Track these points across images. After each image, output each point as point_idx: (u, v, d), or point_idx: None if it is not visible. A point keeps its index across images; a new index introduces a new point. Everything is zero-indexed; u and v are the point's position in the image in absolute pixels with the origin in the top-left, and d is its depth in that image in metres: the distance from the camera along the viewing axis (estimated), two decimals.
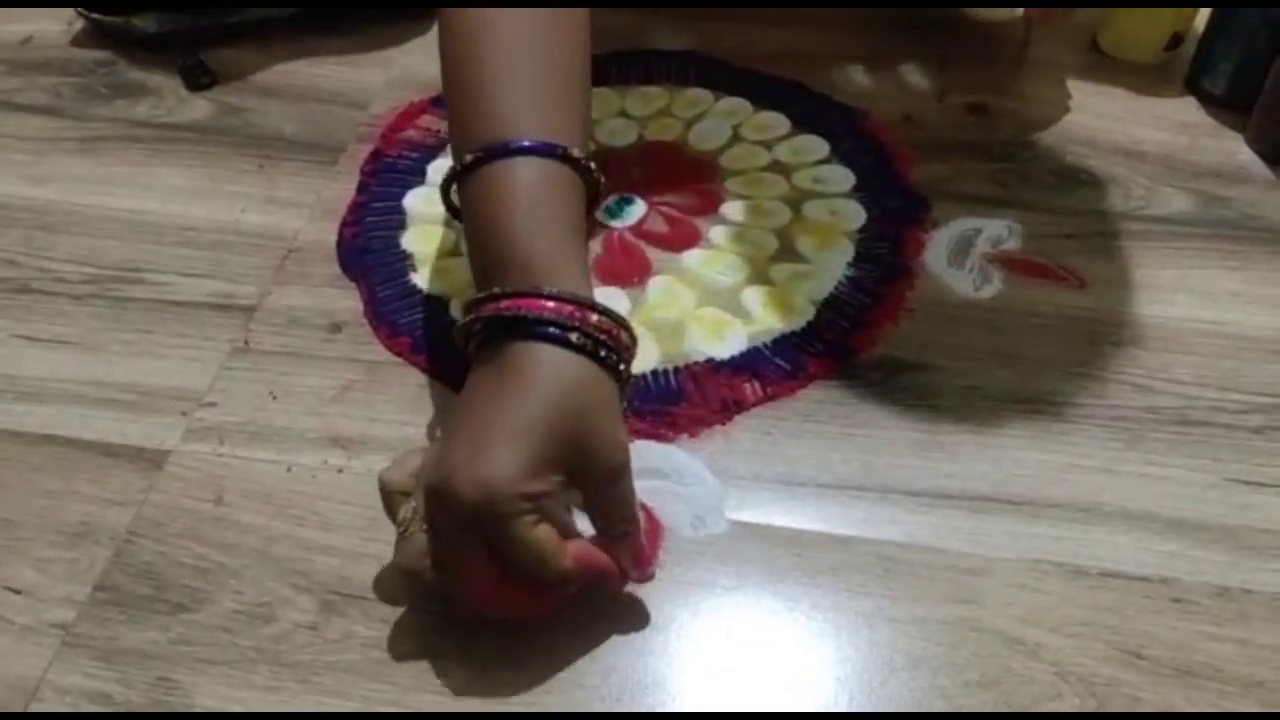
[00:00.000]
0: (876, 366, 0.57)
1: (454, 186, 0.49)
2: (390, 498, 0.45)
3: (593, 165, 0.49)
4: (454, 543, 0.42)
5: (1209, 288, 0.61)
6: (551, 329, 0.43)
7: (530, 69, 0.49)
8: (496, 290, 0.44)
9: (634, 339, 0.46)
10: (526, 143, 0.47)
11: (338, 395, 0.55)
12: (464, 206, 0.49)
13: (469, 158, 0.47)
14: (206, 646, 0.46)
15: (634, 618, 0.47)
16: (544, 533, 0.42)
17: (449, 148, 0.52)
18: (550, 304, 0.43)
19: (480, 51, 0.49)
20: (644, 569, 0.46)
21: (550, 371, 0.43)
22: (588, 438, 0.43)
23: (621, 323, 0.45)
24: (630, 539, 0.45)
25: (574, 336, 0.43)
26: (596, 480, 0.43)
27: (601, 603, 0.47)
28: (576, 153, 0.48)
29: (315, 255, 0.63)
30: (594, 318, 0.44)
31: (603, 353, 0.44)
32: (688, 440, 0.53)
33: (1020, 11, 0.75)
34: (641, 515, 0.47)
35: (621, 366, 0.45)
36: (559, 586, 0.44)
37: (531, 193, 0.46)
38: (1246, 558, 0.49)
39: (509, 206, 0.46)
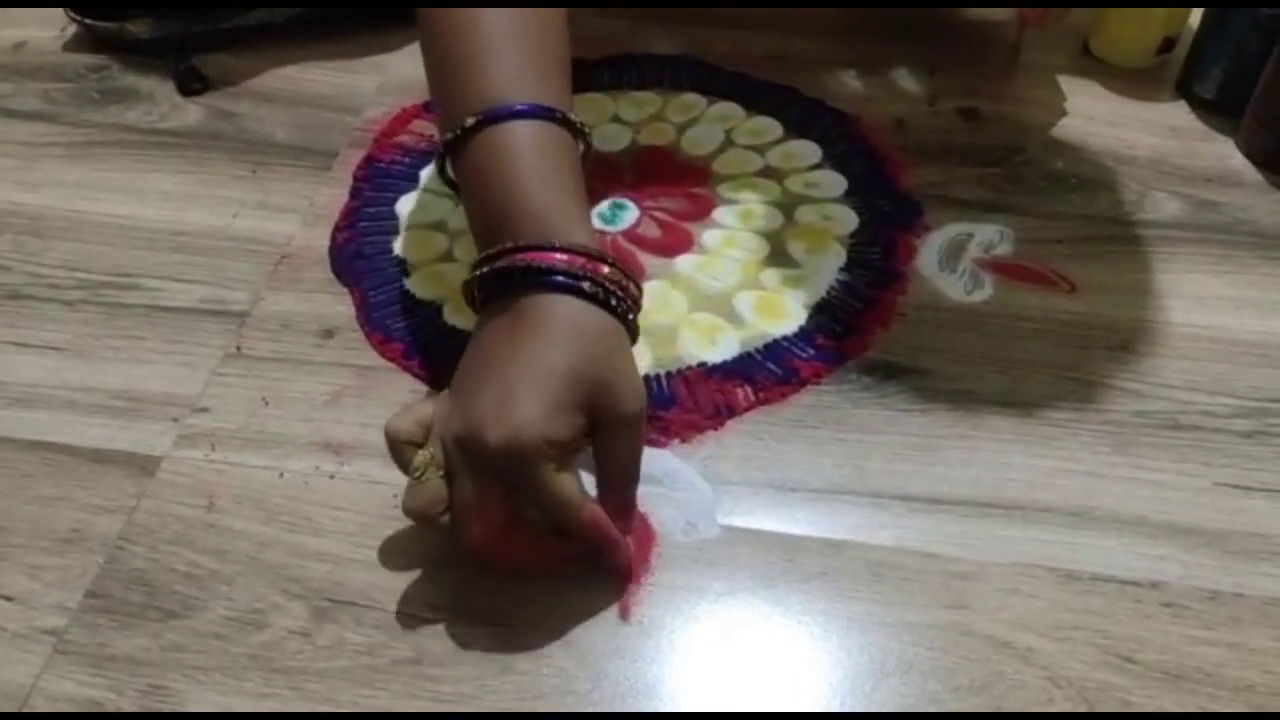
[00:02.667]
0: (868, 371, 0.57)
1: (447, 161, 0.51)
2: (400, 447, 0.46)
3: (585, 129, 0.51)
4: (475, 489, 0.44)
5: (1200, 292, 0.61)
6: (565, 279, 0.45)
7: (518, 49, 0.51)
8: (509, 244, 0.46)
9: (641, 291, 0.48)
10: (524, 106, 0.48)
11: (330, 401, 0.55)
12: (464, 170, 0.50)
13: (470, 121, 0.49)
14: (198, 653, 0.46)
15: (625, 623, 0.47)
16: (566, 480, 0.44)
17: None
18: (562, 256, 0.45)
19: (467, 40, 0.51)
20: (628, 523, 0.47)
21: (567, 320, 0.45)
22: (607, 383, 0.44)
23: (630, 275, 0.47)
24: (627, 499, 0.47)
25: (586, 286, 0.45)
26: (613, 427, 0.45)
27: (593, 607, 0.47)
28: (571, 117, 0.50)
29: (308, 261, 0.63)
30: (605, 269, 0.46)
31: (614, 302, 0.45)
32: (680, 445, 0.53)
33: (1014, 12, 0.75)
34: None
35: (631, 317, 0.47)
36: (566, 541, 0.46)
37: (534, 151, 0.48)
38: (1237, 562, 0.49)
39: (514, 165, 0.48)
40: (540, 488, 0.43)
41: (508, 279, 0.46)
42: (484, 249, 0.48)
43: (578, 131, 0.50)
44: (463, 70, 0.51)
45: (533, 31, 0.52)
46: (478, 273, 0.47)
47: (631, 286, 0.47)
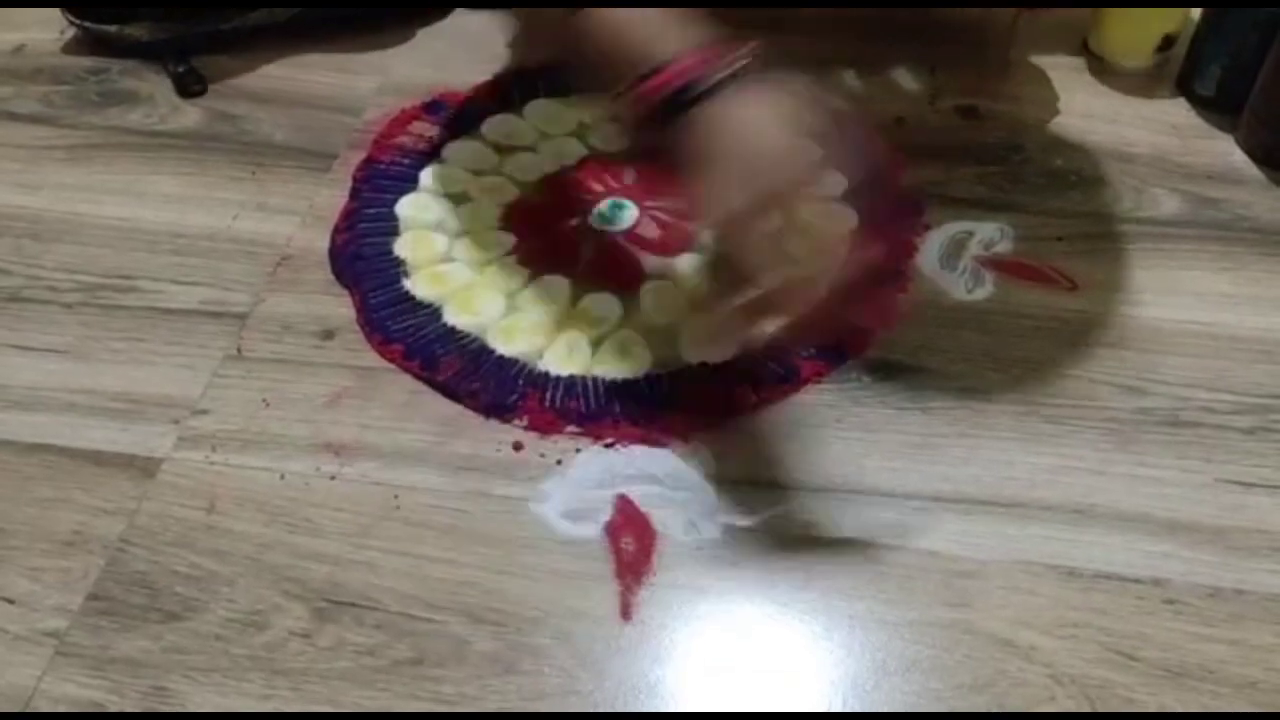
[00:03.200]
0: (869, 369, 0.57)
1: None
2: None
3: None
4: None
5: (1200, 289, 0.61)
6: (709, 84, 0.49)
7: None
8: (655, 68, 0.49)
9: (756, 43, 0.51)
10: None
11: (330, 402, 0.55)
12: (585, 36, 0.52)
13: None
14: (199, 655, 0.46)
15: (627, 622, 0.47)
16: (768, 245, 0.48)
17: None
18: (692, 63, 0.49)
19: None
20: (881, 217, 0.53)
21: (724, 123, 0.49)
22: (765, 158, 0.48)
23: (741, 42, 0.51)
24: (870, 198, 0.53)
25: (719, 77, 0.49)
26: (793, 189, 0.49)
27: (595, 607, 0.47)
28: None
29: (308, 262, 0.63)
30: (726, 54, 0.50)
31: (740, 75, 0.49)
32: (681, 445, 0.53)
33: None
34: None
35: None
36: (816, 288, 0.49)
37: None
38: (1238, 558, 0.49)
39: (626, 16, 0.51)
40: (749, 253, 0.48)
41: (677, 103, 0.49)
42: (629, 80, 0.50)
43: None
44: None
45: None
46: (639, 93, 0.50)
47: (745, 48, 0.50)
